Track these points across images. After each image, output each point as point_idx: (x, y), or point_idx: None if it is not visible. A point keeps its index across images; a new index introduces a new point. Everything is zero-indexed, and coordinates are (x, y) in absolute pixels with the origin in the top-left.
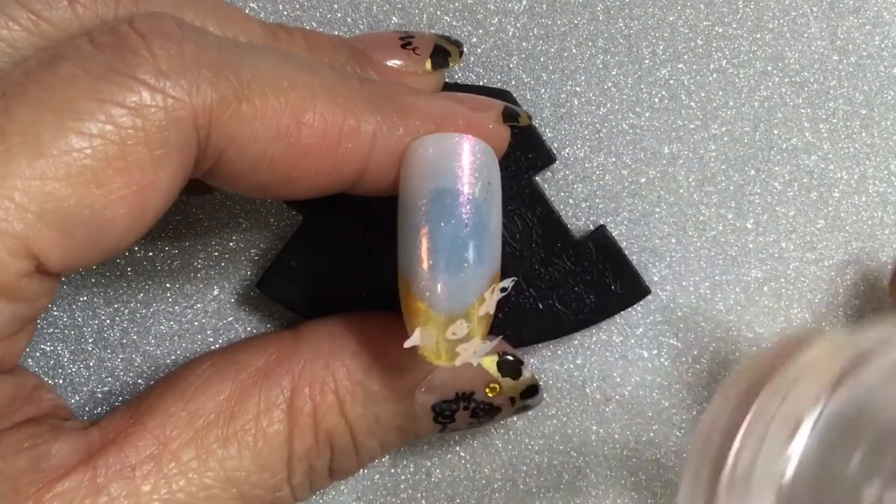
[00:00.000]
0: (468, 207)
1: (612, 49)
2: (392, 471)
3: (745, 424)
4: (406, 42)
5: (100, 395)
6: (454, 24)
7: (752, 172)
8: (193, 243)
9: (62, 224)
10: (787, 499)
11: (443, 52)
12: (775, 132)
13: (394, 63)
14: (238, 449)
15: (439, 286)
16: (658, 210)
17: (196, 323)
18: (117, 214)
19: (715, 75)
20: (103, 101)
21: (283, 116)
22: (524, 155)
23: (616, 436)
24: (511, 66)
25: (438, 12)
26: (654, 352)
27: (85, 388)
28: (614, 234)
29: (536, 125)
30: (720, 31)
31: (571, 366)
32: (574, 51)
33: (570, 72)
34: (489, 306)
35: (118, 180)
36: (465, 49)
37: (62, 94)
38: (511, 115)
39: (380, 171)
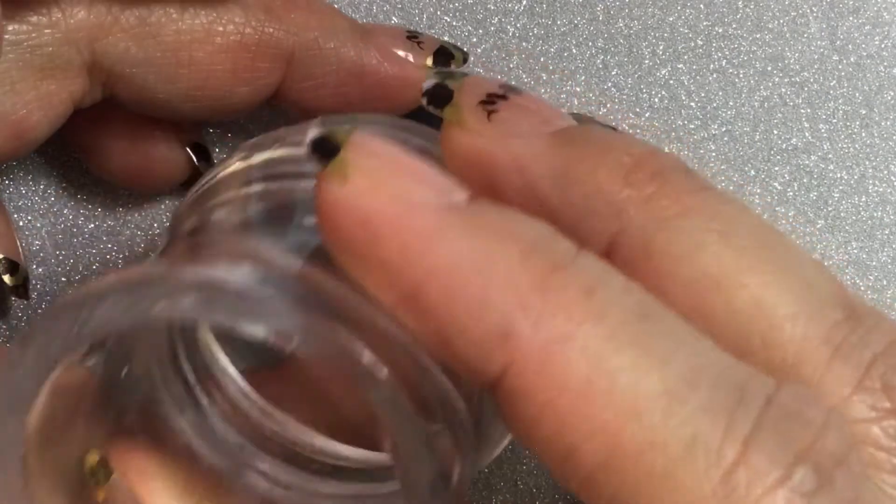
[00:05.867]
0: None
1: (612, 49)
2: None
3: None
4: (412, 35)
5: None
6: (454, 24)
7: (752, 172)
8: None
9: None
10: None
11: (446, 53)
12: (775, 132)
13: (396, 51)
14: None
15: None
16: None
17: None
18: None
19: (715, 75)
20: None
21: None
22: None
23: None
24: (511, 66)
25: (438, 12)
26: None
27: None
28: None
29: None
30: (720, 31)
31: None
32: (574, 51)
33: (570, 72)
34: None
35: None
36: (469, 58)
37: None
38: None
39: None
